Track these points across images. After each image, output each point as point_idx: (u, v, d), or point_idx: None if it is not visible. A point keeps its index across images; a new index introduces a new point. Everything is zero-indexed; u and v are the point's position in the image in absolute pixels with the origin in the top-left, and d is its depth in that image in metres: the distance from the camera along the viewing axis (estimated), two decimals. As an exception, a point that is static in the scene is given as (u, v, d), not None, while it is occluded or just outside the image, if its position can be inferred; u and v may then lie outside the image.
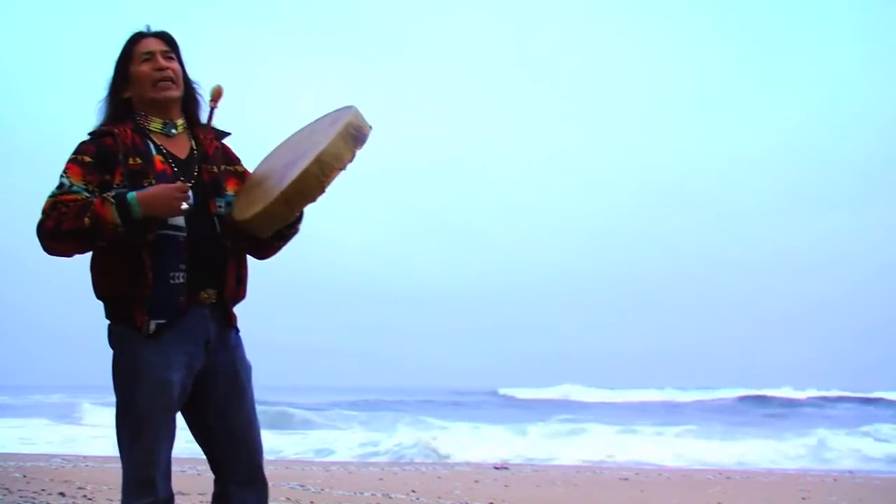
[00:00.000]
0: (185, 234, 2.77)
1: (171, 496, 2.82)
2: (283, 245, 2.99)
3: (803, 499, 8.20)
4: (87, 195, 2.70)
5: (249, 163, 3.03)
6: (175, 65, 2.89)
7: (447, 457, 13.20)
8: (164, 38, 2.91)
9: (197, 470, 7.98)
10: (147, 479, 2.75)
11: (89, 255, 2.79)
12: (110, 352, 2.82)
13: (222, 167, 2.93)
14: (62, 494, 6.80)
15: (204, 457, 2.96)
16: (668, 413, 25.46)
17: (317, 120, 2.96)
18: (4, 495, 6.61)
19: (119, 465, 2.82)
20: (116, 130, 2.80)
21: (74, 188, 2.71)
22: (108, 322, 2.82)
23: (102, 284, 2.80)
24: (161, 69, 2.85)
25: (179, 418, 2.87)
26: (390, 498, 7.40)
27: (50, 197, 2.71)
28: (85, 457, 11.10)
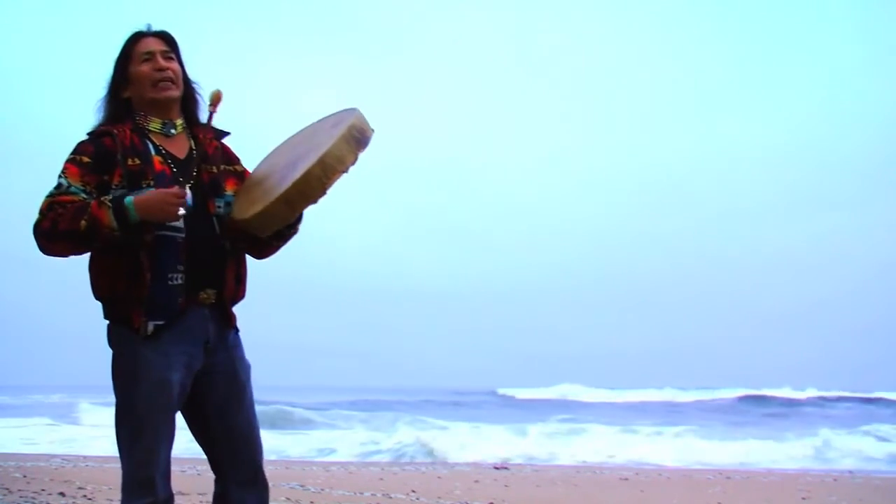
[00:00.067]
0: (183, 235, 2.76)
1: (170, 496, 2.82)
2: (283, 245, 2.99)
3: (803, 499, 8.20)
4: (85, 196, 2.70)
5: (249, 162, 3.03)
6: (175, 65, 2.88)
7: (447, 457, 13.20)
8: (164, 37, 2.90)
9: (197, 470, 7.98)
10: (147, 479, 2.75)
11: (88, 255, 2.79)
12: (110, 352, 2.83)
13: (221, 167, 2.93)
14: (62, 494, 6.79)
15: (204, 457, 2.96)
16: (668, 413, 25.45)
17: (319, 120, 2.96)
18: (4, 495, 6.61)
19: (119, 465, 2.82)
20: (115, 131, 2.80)
21: (72, 189, 2.71)
22: (107, 322, 2.82)
23: (101, 285, 2.79)
24: (161, 70, 2.84)
25: (179, 418, 2.88)
26: (390, 498, 7.39)
27: (47, 197, 2.71)
28: (85, 457, 11.10)
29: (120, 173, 2.75)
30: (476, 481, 9.01)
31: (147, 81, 2.84)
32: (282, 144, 3.03)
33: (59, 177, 2.73)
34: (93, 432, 15.25)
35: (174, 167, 2.82)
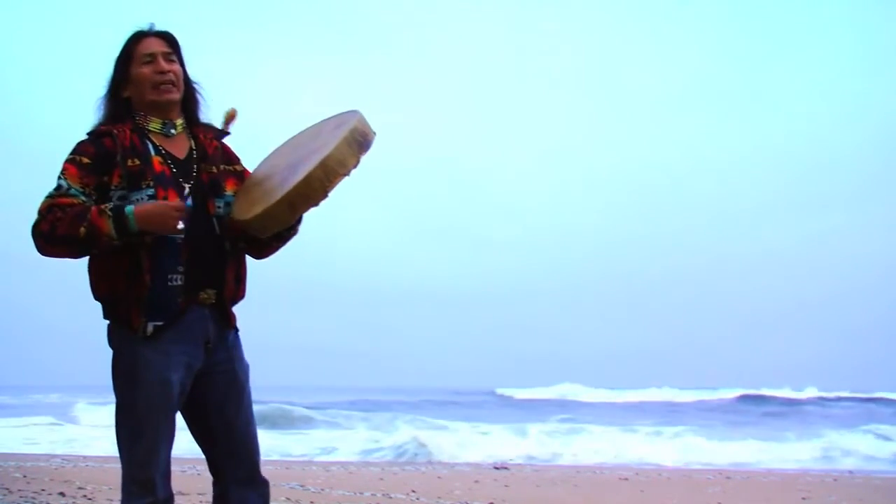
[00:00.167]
0: (183, 236, 2.76)
1: (170, 496, 2.82)
2: (282, 246, 2.99)
3: (803, 499, 8.20)
4: (84, 199, 2.70)
5: (249, 162, 3.03)
6: (176, 67, 2.87)
7: (447, 457, 13.20)
8: (167, 38, 2.88)
9: (197, 470, 7.97)
10: (147, 479, 2.75)
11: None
12: (110, 352, 2.82)
13: (221, 167, 2.92)
14: (62, 494, 6.79)
15: (204, 457, 2.96)
16: (668, 413, 25.44)
17: (321, 122, 2.96)
18: (4, 495, 6.61)
19: (119, 465, 2.82)
20: (115, 131, 2.79)
21: (72, 191, 2.70)
22: (107, 322, 2.82)
23: (100, 285, 2.79)
24: (162, 72, 2.83)
25: (179, 418, 2.88)
26: (390, 498, 7.39)
27: (47, 198, 2.71)
28: (85, 457, 11.10)
29: (119, 174, 2.75)
30: (476, 481, 9.01)
31: (148, 84, 2.83)
32: (282, 145, 3.03)
33: (59, 178, 2.72)
34: (93, 432, 15.26)
35: (174, 167, 2.82)
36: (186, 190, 2.80)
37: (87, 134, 2.82)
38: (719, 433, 16.58)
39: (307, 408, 21.09)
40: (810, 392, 33.01)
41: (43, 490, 7.00)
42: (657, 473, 10.79)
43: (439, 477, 9.56)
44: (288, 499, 7.02)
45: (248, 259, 2.97)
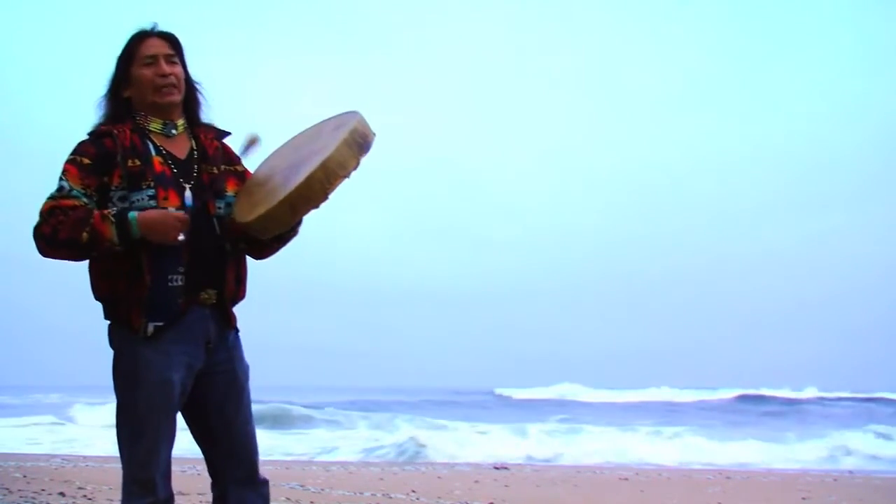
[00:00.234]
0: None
1: (171, 496, 2.82)
2: (282, 246, 2.99)
3: (803, 499, 8.20)
4: (86, 201, 2.70)
5: (249, 162, 3.03)
6: (178, 69, 2.86)
7: (447, 457, 13.20)
8: (169, 39, 2.87)
9: (197, 470, 7.97)
10: (147, 479, 2.75)
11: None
12: (110, 352, 2.82)
13: (222, 167, 2.92)
14: (62, 494, 6.79)
15: (203, 458, 2.96)
16: (668, 413, 25.46)
17: (320, 122, 2.96)
18: (4, 495, 6.61)
19: (119, 465, 2.82)
20: (116, 131, 2.79)
21: (74, 193, 2.70)
22: (108, 323, 2.82)
23: (101, 286, 2.79)
24: (164, 75, 2.82)
25: (180, 418, 2.88)
26: (390, 498, 7.39)
27: (49, 199, 2.70)
28: (85, 457, 11.10)
29: (120, 174, 2.74)
30: (476, 481, 9.01)
31: (149, 86, 2.83)
32: (282, 146, 3.02)
33: (61, 179, 2.72)
34: (93, 432, 15.26)
35: (174, 168, 2.82)
36: (187, 190, 2.80)
37: (88, 134, 2.81)
38: (719, 433, 16.58)
39: (307, 407, 21.09)
40: (810, 392, 33.03)
41: (43, 490, 7.00)
42: (657, 473, 10.80)
43: (439, 477, 9.56)
44: (288, 499, 7.02)
45: (249, 259, 2.97)
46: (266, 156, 3.02)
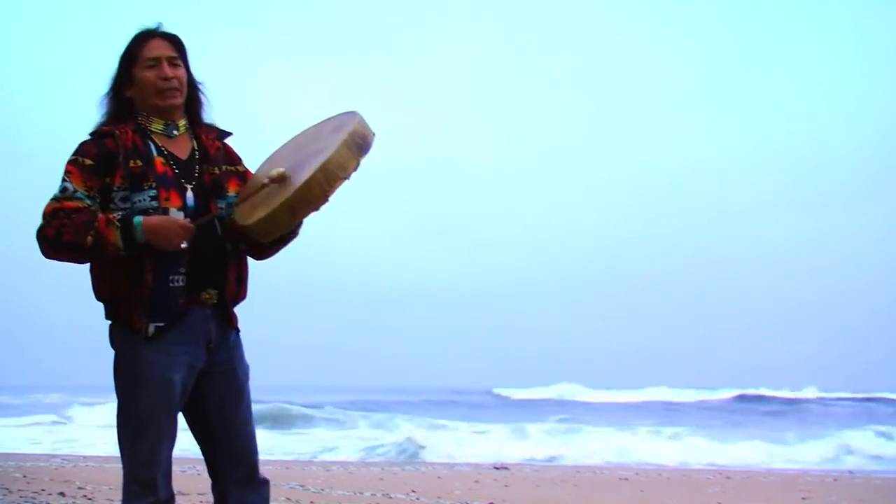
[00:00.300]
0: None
1: (171, 496, 2.83)
2: (283, 247, 2.99)
3: (803, 499, 8.20)
4: (89, 203, 2.70)
5: (250, 163, 3.03)
6: (181, 72, 2.85)
7: (447, 457, 13.20)
8: (172, 41, 2.86)
9: (197, 470, 7.97)
10: (148, 479, 2.76)
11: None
12: (111, 352, 2.82)
13: (224, 167, 2.92)
14: (62, 494, 6.79)
15: (203, 458, 2.96)
16: (667, 413, 25.47)
17: (320, 122, 2.95)
18: (4, 495, 6.61)
19: (119, 465, 2.82)
20: (117, 131, 2.79)
21: (78, 195, 2.70)
22: (109, 323, 2.82)
23: (102, 286, 2.80)
24: (166, 79, 2.81)
25: (180, 419, 2.88)
26: (390, 498, 7.39)
27: (52, 200, 2.70)
28: (85, 457, 11.10)
29: (121, 175, 2.74)
30: (476, 481, 9.01)
31: (151, 88, 2.82)
32: (282, 147, 3.02)
33: (64, 180, 2.72)
34: (93, 432, 15.27)
35: (176, 168, 2.82)
36: (188, 191, 2.80)
37: (90, 134, 2.81)
38: (719, 433, 16.57)
39: (307, 407, 21.09)
40: (810, 392, 33.03)
41: (43, 490, 7.00)
42: (657, 473, 10.80)
43: (439, 477, 9.56)
44: (288, 499, 7.02)
45: (249, 260, 2.97)
46: (266, 156, 3.02)
